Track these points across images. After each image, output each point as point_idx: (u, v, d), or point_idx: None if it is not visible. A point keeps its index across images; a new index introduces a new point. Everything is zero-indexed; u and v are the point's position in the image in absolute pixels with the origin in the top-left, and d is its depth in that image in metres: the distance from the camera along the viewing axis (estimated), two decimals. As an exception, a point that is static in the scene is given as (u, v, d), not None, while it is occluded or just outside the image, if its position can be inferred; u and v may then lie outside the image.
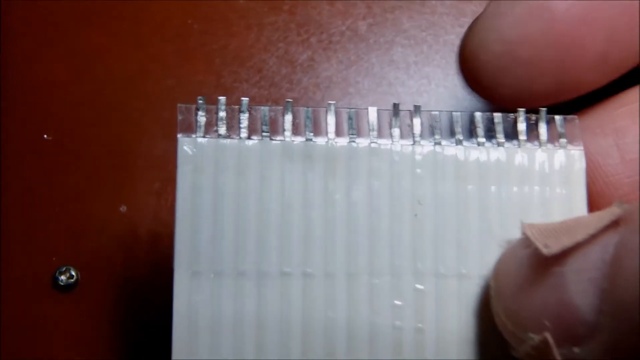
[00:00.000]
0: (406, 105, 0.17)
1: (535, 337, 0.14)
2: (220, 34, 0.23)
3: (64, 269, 0.21)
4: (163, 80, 0.23)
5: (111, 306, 0.21)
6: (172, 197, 0.22)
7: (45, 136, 0.22)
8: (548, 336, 0.14)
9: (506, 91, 0.17)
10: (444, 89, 0.23)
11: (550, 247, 0.14)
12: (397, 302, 0.16)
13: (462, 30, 0.24)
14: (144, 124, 0.22)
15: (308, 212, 0.16)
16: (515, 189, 0.17)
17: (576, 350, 0.14)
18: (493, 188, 0.16)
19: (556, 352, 0.14)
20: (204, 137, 0.16)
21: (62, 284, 0.21)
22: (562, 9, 0.16)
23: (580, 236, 0.14)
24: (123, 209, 0.22)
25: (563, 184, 0.17)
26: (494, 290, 0.15)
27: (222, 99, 0.16)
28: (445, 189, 0.16)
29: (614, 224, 0.14)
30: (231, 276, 0.16)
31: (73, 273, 0.21)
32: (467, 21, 0.24)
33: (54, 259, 0.21)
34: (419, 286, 0.16)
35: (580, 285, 0.14)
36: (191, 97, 0.23)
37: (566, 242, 0.14)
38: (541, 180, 0.17)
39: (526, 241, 0.15)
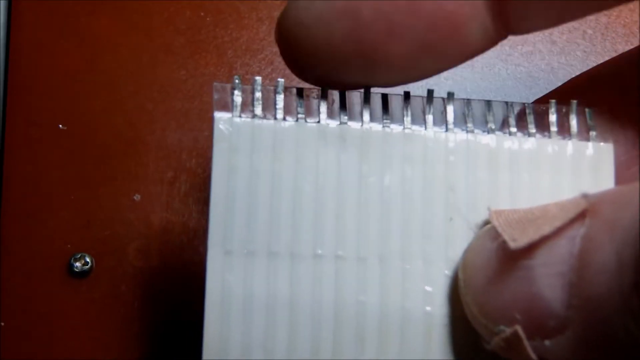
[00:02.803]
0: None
1: (506, 330, 0.14)
2: (231, 27, 0.24)
3: (78, 255, 0.21)
4: (175, 72, 0.23)
5: (125, 292, 0.21)
6: (184, 186, 0.22)
7: (60, 126, 0.22)
8: (519, 329, 0.14)
9: (316, 73, 0.17)
10: (452, 82, 0.24)
11: (517, 240, 0.14)
12: (428, 288, 0.16)
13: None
14: (156, 114, 0.23)
15: (341, 195, 0.16)
16: (545, 179, 0.16)
17: (547, 343, 0.14)
18: (524, 177, 0.16)
19: (527, 345, 0.14)
20: (240, 116, 0.16)
21: (77, 270, 0.21)
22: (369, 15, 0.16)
23: (546, 228, 0.14)
24: (137, 197, 0.22)
25: (591, 177, 0.17)
26: (463, 282, 0.15)
27: (258, 79, 0.16)
28: (477, 177, 0.16)
29: (581, 215, 0.14)
30: (264, 256, 0.16)
31: (88, 260, 0.21)
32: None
33: (68, 246, 0.22)
34: (448, 273, 0.16)
35: (548, 279, 0.14)
36: (203, 89, 0.24)
37: (533, 234, 0.14)
38: (570, 172, 0.17)
39: (493, 231, 0.15)
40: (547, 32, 0.24)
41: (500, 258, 0.14)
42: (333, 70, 0.16)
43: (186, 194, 0.22)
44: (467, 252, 0.16)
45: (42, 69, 0.23)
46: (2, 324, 0.21)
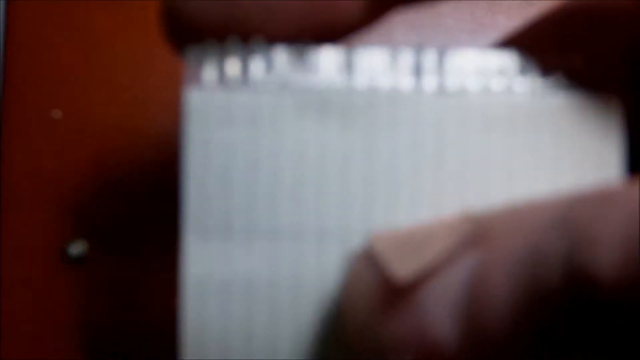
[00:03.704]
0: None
1: None
2: (225, 17, 0.24)
3: (74, 242, 0.22)
4: (171, 61, 0.23)
5: (120, 278, 0.22)
6: (178, 174, 0.22)
7: (55, 115, 0.23)
8: None
9: None
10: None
11: (402, 272, 0.13)
12: None
13: (460, 15, 0.24)
14: (151, 103, 0.23)
15: (323, 169, 0.15)
16: (546, 139, 0.15)
17: None
18: (520, 138, 0.15)
19: None
20: (212, 87, 0.15)
21: (72, 257, 0.21)
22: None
23: (433, 257, 0.13)
24: (131, 186, 0.22)
25: (598, 135, 0.15)
26: (347, 316, 0.14)
27: (234, 39, 0.15)
28: (470, 140, 0.15)
29: (471, 241, 0.13)
30: (243, 236, 0.15)
31: (83, 246, 0.21)
32: (465, 4, 0.24)
33: (64, 232, 0.22)
34: None
35: (440, 316, 0.13)
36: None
37: (417, 265, 0.13)
38: (575, 129, 0.15)
39: (375, 259, 0.14)
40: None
41: (387, 291, 0.13)
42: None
43: (180, 183, 0.22)
44: (347, 284, 0.15)
45: (39, 60, 0.23)
46: (-1, 310, 0.21)
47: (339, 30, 0.16)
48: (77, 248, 0.21)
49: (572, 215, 0.12)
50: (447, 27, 0.24)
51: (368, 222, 0.15)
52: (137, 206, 0.22)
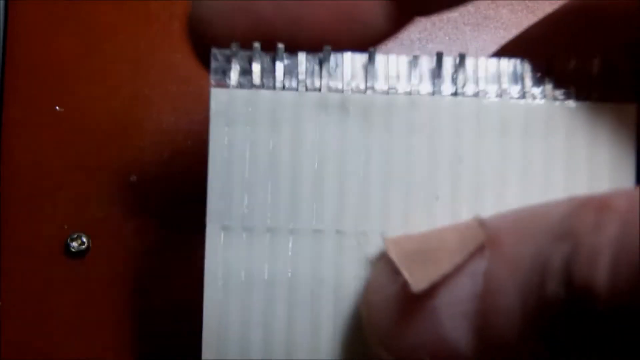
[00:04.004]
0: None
1: None
2: (227, 10, 0.24)
3: (75, 235, 0.21)
4: (171, 56, 0.23)
5: (121, 273, 0.22)
6: (180, 167, 0.22)
7: (57, 108, 0.23)
8: None
9: None
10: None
11: (417, 281, 0.13)
12: None
13: (465, 8, 0.24)
14: (152, 97, 0.23)
15: (342, 168, 0.15)
16: (560, 144, 0.15)
17: None
18: (537, 144, 0.15)
19: None
20: (237, 86, 0.15)
21: (73, 250, 0.21)
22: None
23: (446, 266, 0.13)
24: (133, 178, 0.22)
25: (612, 141, 0.15)
26: (366, 320, 0.15)
27: (257, 45, 0.15)
28: (487, 145, 0.15)
29: (481, 247, 0.13)
30: (263, 231, 0.15)
31: (84, 240, 0.21)
32: (470, -1, 0.24)
33: (65, 226, 0.22)
34: None
35: (453, 320, 0.13)
36: (199, 72, 0.24)
37: (432, 274, 0.13)
38: (589, 136, 0.15)
39: (392, 265, 0.14)
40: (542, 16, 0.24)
41: (403, 298, 0.14)
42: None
43: (181, 175, 0.22)
44: (367, 289, 0.15)
45: (40, 52, 0.23)
46: None
47: (363, 41, 0.16)
48: (78, 242, 0.21)
49: (571, 224, 0.12)
50: (452, 20, 0.24)
51: (385, 221, 0.15)
52: (139, 200, 0.22)
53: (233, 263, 0.15)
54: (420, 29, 0.24)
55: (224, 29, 0.16)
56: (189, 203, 0.22)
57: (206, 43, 0.16)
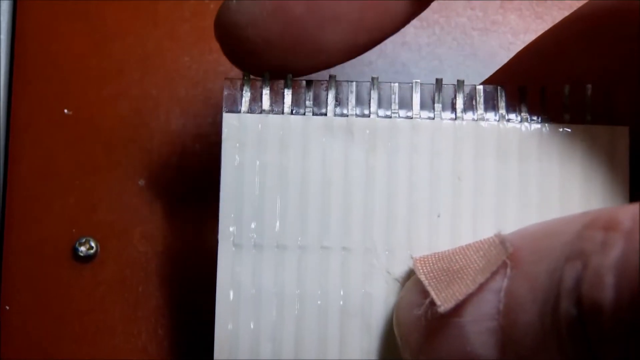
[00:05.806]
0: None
1: None
2: (236, 13, 0.24)
3: (83, 240, 0.21)
4: (179, 58, 0.23)
5: (129, 277, 0.22)
6: (188, 171, 0.22)
7: (65, 111, 0.23)
8: None
9: (258, 67, 0.17)
10: (456, 70, 0.24)
11: (444, 301, 0.14)
12: None
13: (473, 13, 0.24)
14: (161, 100, 0.23)
15: (348, 188, 0.16)
16: (556, 166, 0.16)
17: None
18: (534, 165, 0.16)
19: None
20: (248, 112, 0.16)
21: (81, 254, 0.21)
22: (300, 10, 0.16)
23: (471, 285, 0.14)
24: (141, 182, 0.22)
25: (605, 162, 0.16)
26: (399, 339, 0.15)
27: (267, 74, 0.16)
28: (485, 165, 0.16)
29: (503, 264, 0.14)
30: (272, 249, 0.16)
31: (92, 244, 0.21)
32: (477, 4, 0.24)
33: (73, 230, 0.22)
34: None
35: (480, 336, 0.13)
36: (207, 75, 0.24)
37: (458, 293, 0.14)
38: (583, 158, 0.16)
39: (420, 284, 0.15)
40: (550, 21, 0.24)
41: (431, 316, 0.14)
42: (274, 62, 0.17)
43: (190, 179, 0.22)
44: (398, 308, 0.16)
45: (49, 54, 0.23)
46: (7, 307, 0.21)
47: (390, 28, 0.17)
48: (86, 246, 0.21)
49: (581, 244, 0.12)
50: (460, 25, 0.24)
51: (390, 239, 0.16)
52: (148, 203, 0.22)
53: (243, 279, 0.16)
54: (428, 33, 0.24)
55: (257, 32, 0.16)
56: (197, 206, 0.22)
57: (238, 46, 0.17)
